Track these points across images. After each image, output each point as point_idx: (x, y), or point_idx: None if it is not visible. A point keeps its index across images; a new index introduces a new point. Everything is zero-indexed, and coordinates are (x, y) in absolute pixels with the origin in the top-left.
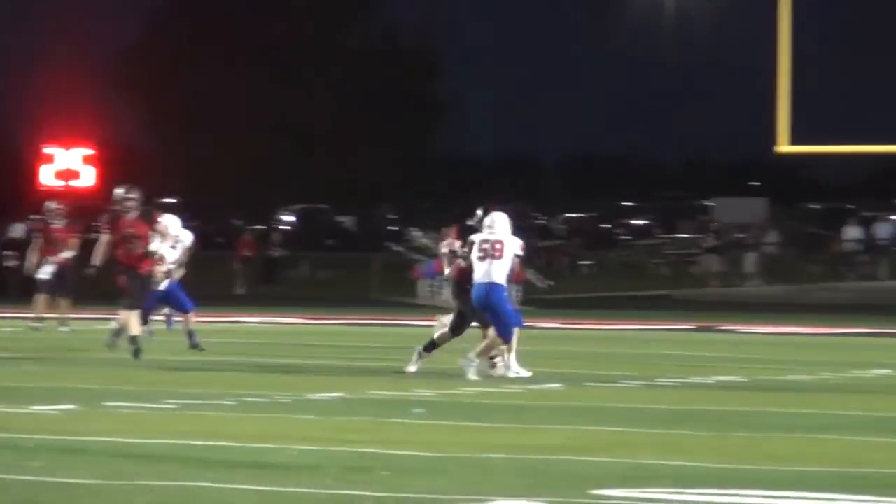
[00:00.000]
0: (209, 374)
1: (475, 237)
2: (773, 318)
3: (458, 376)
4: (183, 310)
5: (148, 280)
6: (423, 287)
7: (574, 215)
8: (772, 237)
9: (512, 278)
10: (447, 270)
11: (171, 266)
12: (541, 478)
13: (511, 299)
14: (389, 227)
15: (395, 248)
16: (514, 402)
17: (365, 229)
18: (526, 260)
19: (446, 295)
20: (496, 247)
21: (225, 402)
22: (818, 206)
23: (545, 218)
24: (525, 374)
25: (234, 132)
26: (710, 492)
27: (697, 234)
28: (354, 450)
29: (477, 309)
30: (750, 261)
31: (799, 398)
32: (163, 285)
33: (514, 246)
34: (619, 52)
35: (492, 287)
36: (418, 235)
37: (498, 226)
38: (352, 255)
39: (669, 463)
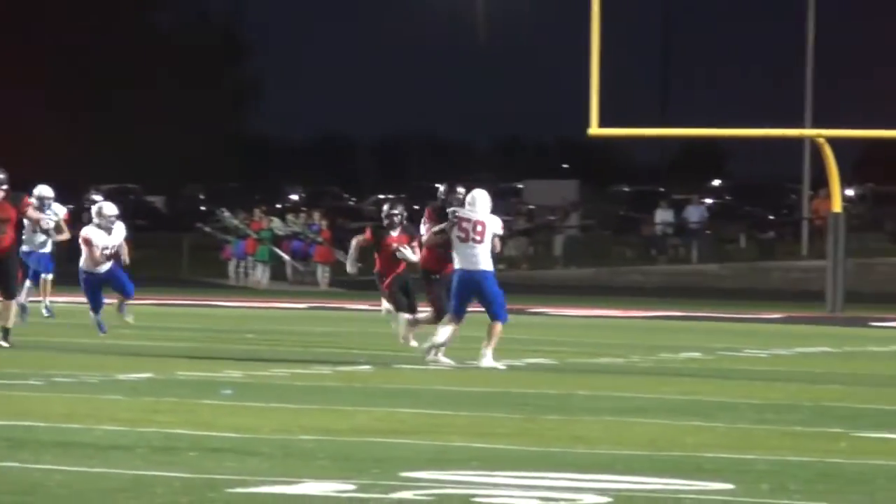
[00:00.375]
0: (17, 353)
1: (459, 212)
2: (583, 300)
3: (269, 358)
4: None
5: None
6: (232, 268)
7: (384, 196)
8: (574, 220)
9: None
10: (415, 258)
11: (111, 248)
12: (351, 460)
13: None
14: (200, 208)
15: (206, 228)
16: (325, 383)
17: (175, 210)
18: (335, 242)
19: (257, 276)
20: (477, 228)
21: (32, 382)
22: (629, 189)
23: (354, 200)
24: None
25: (35, 112)
26: (518, 474)
27: (508, 216)
28: (163, 430)
29: (463, 295)
30: (558, 243)
31: (609, 381)
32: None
33: (494, 226)
34: (436, 34)
35: (483, 276)
36: (228, 216)
37: (479, 204)
38: (162, 235)
39: (479, 445)
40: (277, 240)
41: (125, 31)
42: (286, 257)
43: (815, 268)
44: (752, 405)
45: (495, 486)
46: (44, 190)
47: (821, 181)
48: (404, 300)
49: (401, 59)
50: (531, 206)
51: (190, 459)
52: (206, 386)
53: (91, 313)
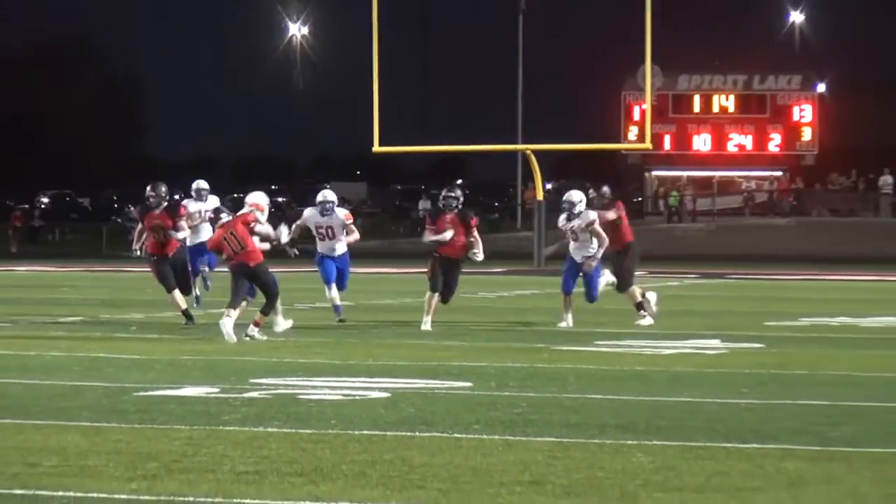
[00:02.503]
0: None
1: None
2: (370, 262)
3: (162, 305)
4: None
5: None
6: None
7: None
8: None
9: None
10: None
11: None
12: (216, 371)
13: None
14: (114, 206)
15: (117, 220)
16: (200, 322)
17: (97, 207)
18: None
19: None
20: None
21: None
22: (400, 187)
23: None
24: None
25: None
26: (329, 379)
27: None
28: (90, 354)
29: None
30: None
31: (393, 316)
32: None
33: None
34: (264, 62)
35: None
36: (131, 211)
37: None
38: (89, 224)
39: (302, 360)
40: None
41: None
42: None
43: (526, 237)
44: (484, 330)
45: (313, 387)
46: (201, 183)
47: (529, 178)
48: (437, 281)
49: (250, 88)
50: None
51: (108, 374)
52: (119, 325)
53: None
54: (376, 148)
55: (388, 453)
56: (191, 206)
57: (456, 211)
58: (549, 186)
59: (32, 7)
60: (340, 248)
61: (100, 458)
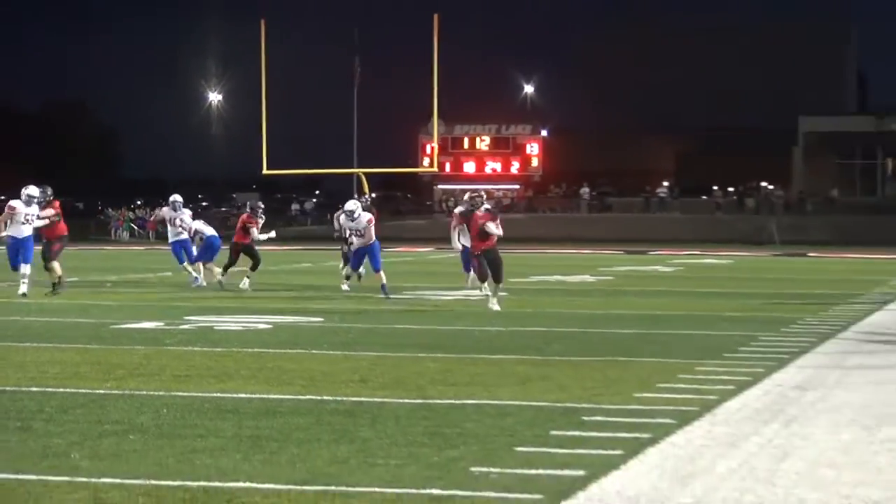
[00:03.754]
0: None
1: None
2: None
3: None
4: None
5: None
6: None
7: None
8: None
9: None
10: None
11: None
12: (163, 311)
13: None
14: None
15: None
16: (146, 277)
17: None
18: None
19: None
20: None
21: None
22: (279, 195)
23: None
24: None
25: None
26: (235, 318)
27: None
28: (75, 302)
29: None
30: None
31: (283, 279)
32: None
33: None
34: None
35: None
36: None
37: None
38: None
39: (218, 304)
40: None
41: None
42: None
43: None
44: (330, 289)
45: (223, 322)
46: (176, 197)
47: (360, 190)
48: (486, 271)
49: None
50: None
51: (94, 314)
52: (94, 284)
53: None
54: (265, 171)
55: (269, 363)
56: (166, 212)
57: (483, 208)
58: (374, 195)
59: (44, 75)
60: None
61: (87, 367)
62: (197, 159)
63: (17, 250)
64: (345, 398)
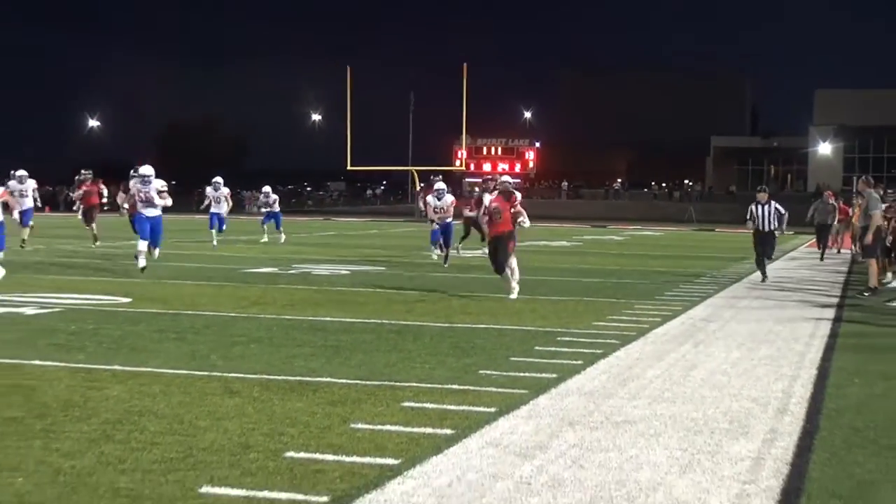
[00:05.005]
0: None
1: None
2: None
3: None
4: None
5: None
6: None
7: None
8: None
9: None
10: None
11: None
12: (270, 261)
13: None
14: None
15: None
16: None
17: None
18: None
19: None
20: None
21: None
22: (358, 184)
23: None
24: None
25: None
26: (328, 266)
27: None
28: (222, 254)
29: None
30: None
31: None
32: None
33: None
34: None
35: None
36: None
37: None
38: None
39: (318, 256)
40: None
41: None
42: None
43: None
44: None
45: (319, 268)
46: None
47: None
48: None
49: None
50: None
51: (228, 262)
52: (230, 241)
53: None
54: (349, 167)
55: (347, 297)
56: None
57: (497, 192)
58: (422, 185)
59: (197, 97)
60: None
61: (223, 298)
62: (302, 157)
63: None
64: (396, 322)
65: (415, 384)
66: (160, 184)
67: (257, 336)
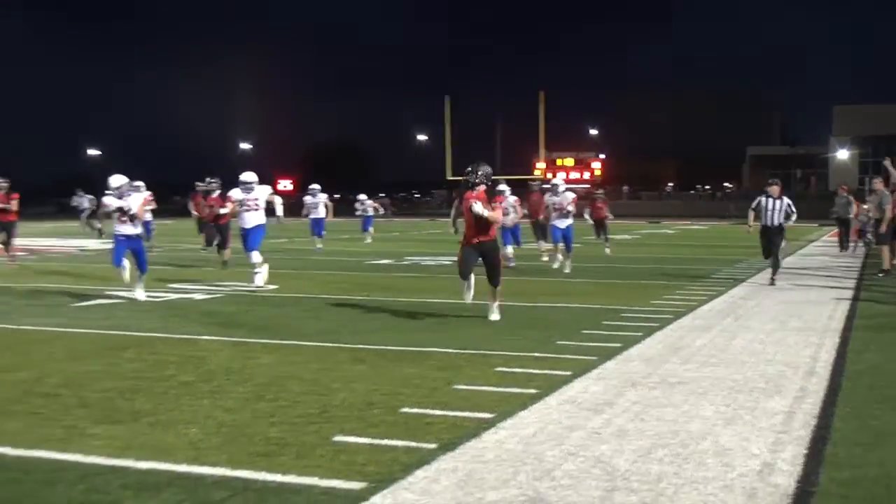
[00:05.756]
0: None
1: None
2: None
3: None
4: None
5: None
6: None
7: None
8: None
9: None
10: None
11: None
12: (387, 254)
13: None
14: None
15: None
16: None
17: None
18: None
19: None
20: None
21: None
22: None
23: None
24: None
25: None
26: (434, 258)
27: None
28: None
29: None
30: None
31: None
32: None
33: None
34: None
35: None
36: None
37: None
38: None
39: (427, 250)
40: None
41: None
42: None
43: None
44: None
45: (426, 259)
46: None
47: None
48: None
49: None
50: None
51: (352, 255)
52: (354, 239)
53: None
54: (448, 177)
55: (448, 283)
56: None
57: (480, 187)
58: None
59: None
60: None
61: (348, 284)
62: (413, 169)
63: (246, 238)
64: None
65: (505, 353)
66: (266, 191)
67: (378, 315)
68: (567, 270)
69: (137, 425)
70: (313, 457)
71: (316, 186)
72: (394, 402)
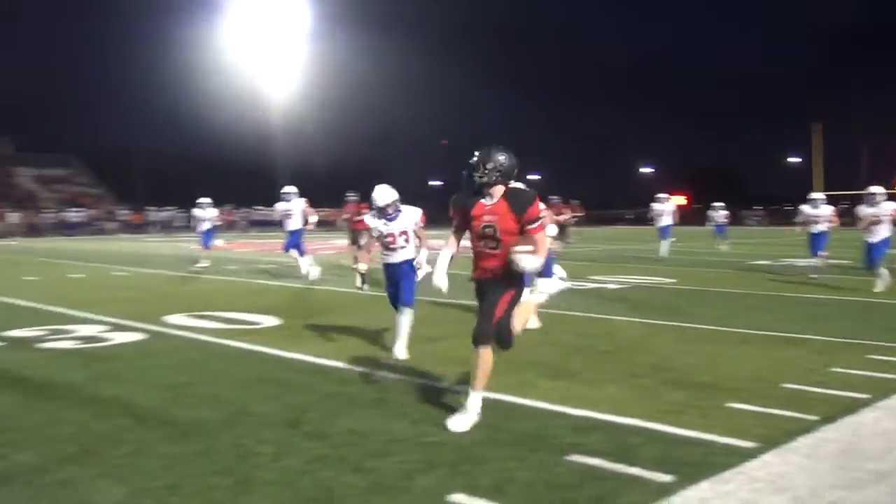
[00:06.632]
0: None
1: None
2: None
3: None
4: None
5: None
6: None
7: None
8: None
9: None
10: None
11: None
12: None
13: None
14: None
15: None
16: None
17: None
18: None
19: None
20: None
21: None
22: None
23: None
24: None
25: None
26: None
27: None
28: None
29: None
30: None
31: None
32: None
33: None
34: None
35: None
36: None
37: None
38: None
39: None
40: None
41: None
42: None
43: None
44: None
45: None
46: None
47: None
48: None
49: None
50: None
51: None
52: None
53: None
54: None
55: None
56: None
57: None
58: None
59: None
60: None
61: (739, 280)
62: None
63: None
64: (860, 299)
65: (877, 343)
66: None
67: (759, 305)
68: None
69: (572, 382)
70: (711, 417)
71: (720, 203)
72: (776, 378)
